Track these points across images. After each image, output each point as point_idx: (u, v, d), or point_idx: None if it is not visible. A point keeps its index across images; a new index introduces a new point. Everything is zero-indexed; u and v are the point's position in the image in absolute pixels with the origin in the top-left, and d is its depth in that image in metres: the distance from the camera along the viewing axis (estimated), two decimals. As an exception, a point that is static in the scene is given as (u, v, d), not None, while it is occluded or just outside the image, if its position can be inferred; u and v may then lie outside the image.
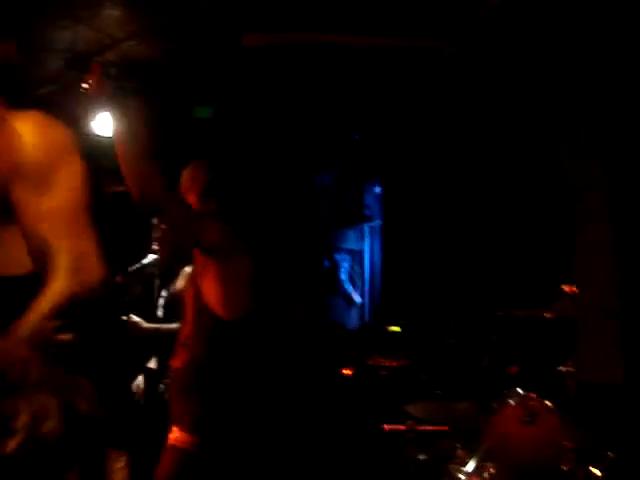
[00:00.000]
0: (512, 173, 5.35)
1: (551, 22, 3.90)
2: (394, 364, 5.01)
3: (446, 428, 3.66)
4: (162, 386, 3.79)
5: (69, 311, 1.62)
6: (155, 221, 3.89)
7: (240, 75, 5.00)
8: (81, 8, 3.94)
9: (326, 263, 6.82)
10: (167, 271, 4.02)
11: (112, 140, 2.60)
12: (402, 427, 3.85)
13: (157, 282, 4.05)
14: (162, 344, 3.55)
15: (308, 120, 5.93)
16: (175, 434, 2.71)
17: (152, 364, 3.97)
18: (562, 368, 3.69)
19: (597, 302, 3.91)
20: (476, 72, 4.72)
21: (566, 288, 3.83)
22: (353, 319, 6.93)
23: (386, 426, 4.08)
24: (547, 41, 4.10)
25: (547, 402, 3.29)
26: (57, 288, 1.62)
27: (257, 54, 4.60)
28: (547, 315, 3.82)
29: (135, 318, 3.85)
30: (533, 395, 3.33)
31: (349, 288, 6.93)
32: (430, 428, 3.78)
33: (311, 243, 6.52)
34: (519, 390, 3.37)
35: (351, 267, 7.01)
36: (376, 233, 7.07)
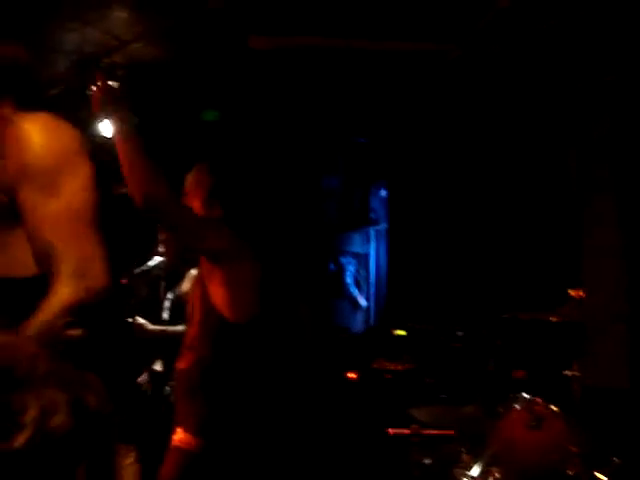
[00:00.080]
0: (519, 176, 5.34)
1: (559, 26, 3.89)
2: (399, 368, 5.01)
3: (451, 432, 3.65)
4: (168, 388, 3.79)
5: (75, 315, 1.62)
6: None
7: (247, 78, 5.01)
8: (89, 10, 3.96)
9: (331, 266, 6.81)
10: (173, 273, 4.02)
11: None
12: (407, 431, 3.84)
13: (163, 284, 4.05)
14: (168, 346, 3.54)
15: (314, 123, 5.93)
16: (179, 435, 2.70)
17: (158, 366, 3.97)
18: (568, 372, 3.68)
19: (605, 306, 3.90)
20: (484, 76, 4.71)
21: (572, 292, 3.82)
22: (358, 323, 6.93)
23: (391, 430, 4.07)
24: (555, 45, 4.10)
25: (553, 407, 3.27)
26: (62, 294, 1.62)
27: (264, 57, 4.61)
28: (553, 319, 3.80)
29: (141, 320, 3.85)
30: (539, 400, 3.31)
31: (354, 292, 6.92)
32: (435, 432, 3.78)
33: (317, 246, 6.52)
34: (525, 395, 3.36)
35: (356, 271, 7.00)
36: (382, 236, 7.07)
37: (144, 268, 4.01)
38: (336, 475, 4.31)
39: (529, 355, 4.23)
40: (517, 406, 3.33)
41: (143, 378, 4.03)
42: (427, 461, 3.62)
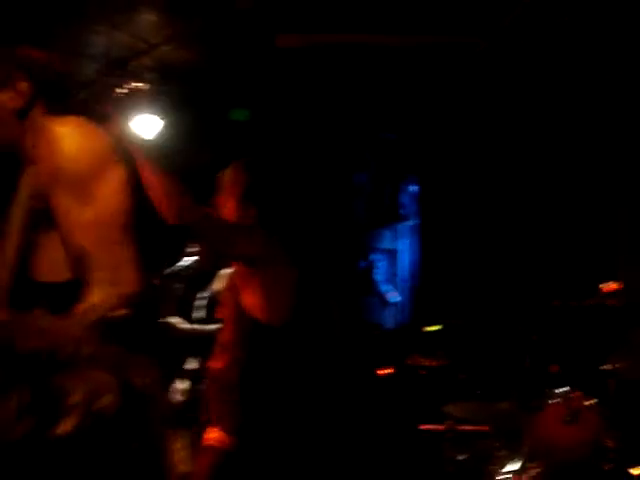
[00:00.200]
0: (551, 170, 5.29)
1: (585, 20, 3.84)
2: (434, 364, 4.98)
3: (486, 428, 3.62)
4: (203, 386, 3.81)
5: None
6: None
7: (276, 77, 5.01)
8: (117, 14, 3.99)
9: (361, 263, 6.80)
10: (204, 273, 4.03)
11: (149, 143, 2.58)
12: (441, 427, 3.82)
13: (194, 284, 4.08)
14: (201, 345, 3.56)
15: (343, 120, 5.92)
16: (214, 434, 2.71)
17: (193, 364, 3.99)
18: (604, 367, 3.63)
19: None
20: (512, 69, 4.66)
21: (605, 287, 3.76)
22: (388, 319, 6.91)
23: (425, 426, 4.05)
24: (580, 38, 4.05)
25: (589, 401, 3.24)
26: (95, 301, 1.63)
27: (293, 55, 4.61)
28: (591, 303, 3.72)
29: (174, 319, 3.88)
30: (575, 394, 3.28)
31: (384, 288, 6.90)
32: (470, 428, 3.75)
33: (347, 244, 6.51)
34: (561, 389, 3.33)
35: (387, 267, 6.98)
36: (412, 232, 7.03)
37: (175, 268, 4.04)
38: (371, 472, 4.30)
39: (565, 348, 4.18)
40: (553, 401, 3.29)
41: (175, 387, 4.05)
42: (461, 457, 3.60)
